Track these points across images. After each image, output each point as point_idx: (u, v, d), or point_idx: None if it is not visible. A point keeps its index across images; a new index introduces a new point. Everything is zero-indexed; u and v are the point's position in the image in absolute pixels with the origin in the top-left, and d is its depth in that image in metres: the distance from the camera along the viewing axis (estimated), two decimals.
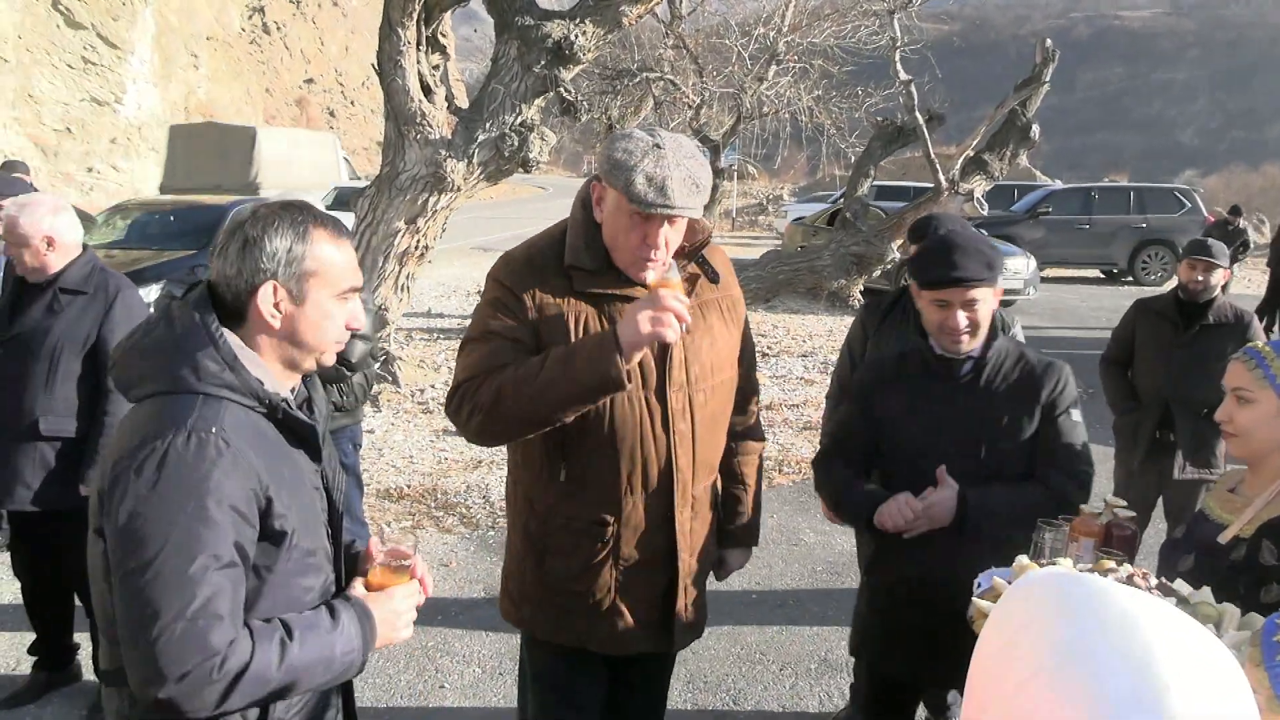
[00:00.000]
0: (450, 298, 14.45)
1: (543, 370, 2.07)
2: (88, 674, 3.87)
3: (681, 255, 2.28)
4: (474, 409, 2.12)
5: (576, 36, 8.14)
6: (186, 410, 1.50)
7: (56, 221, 3.50)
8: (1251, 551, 1.85)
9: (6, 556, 4.57)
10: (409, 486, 6.38)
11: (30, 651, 3.87)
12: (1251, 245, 15.75)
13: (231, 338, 1.59)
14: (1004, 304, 2.71)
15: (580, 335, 2.15)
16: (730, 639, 4.30)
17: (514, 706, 3.79)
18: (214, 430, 1.49)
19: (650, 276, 2.16)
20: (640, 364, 2.17)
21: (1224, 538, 1.94)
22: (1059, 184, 23.42)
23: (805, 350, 11.20)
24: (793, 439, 7.72)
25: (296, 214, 1.64)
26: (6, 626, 4.31)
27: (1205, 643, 0.73)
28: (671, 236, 2.15)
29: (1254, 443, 1.98)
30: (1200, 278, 4.45)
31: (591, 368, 2.03)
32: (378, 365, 9.12)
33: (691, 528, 2.34)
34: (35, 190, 5.75)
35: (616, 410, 2.17)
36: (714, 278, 2.35)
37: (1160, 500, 4.53)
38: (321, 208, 1.74)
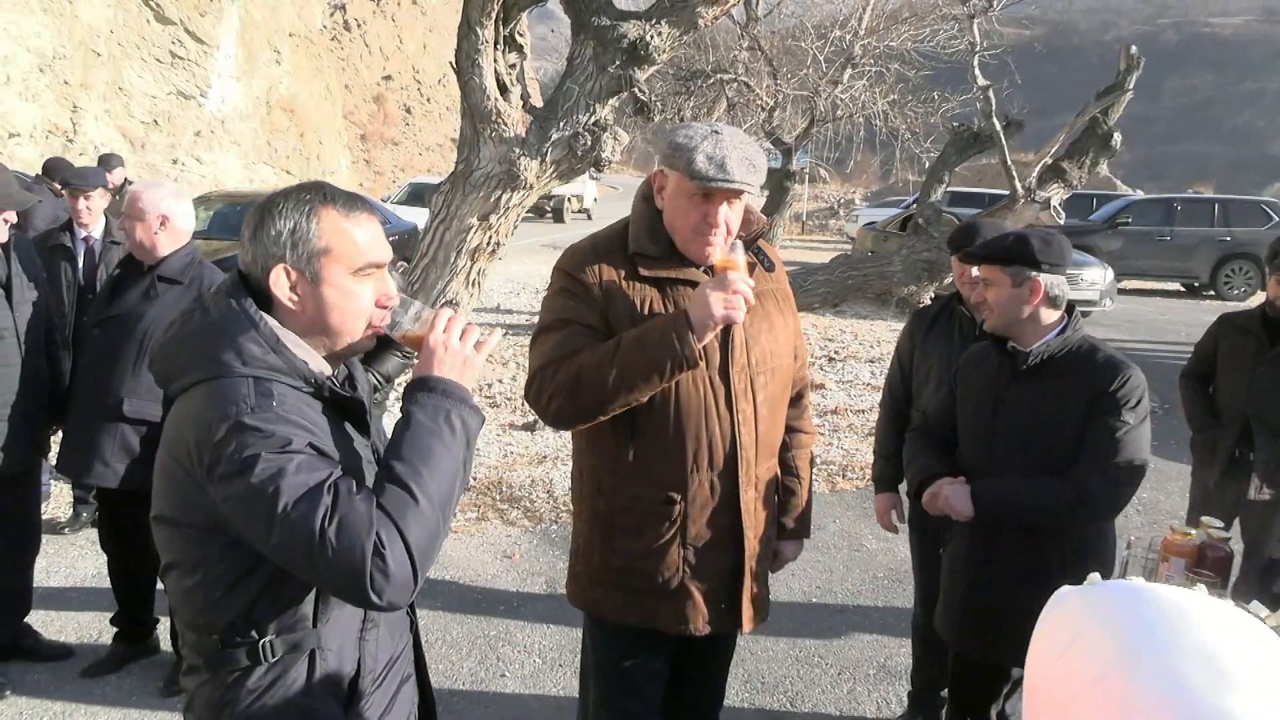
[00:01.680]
0: (520, 294, 14.60)
1: (618, 352, 2.15)
2: (166, 647, 4.00)
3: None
4: (554, 393, 2.20)
5: (652, 37, 8.16)
6: (240, 391, 1.50)
7: (175, 205, 3.67)
8: None
9: (94, 531, 4.75)
10: (475, 479, 6.48)
11: (112, 623, 4.02)
12: None
13: (270, 320, 1.58)
14: (1080, 314, 2.71)
15: (646, 317, 2.23)
16: (790, 642, 4.30)
17: (573, 697, 3.84)
18: (274, 404, 1.50)
19: (716, 255, 2.23)
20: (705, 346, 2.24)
21: None
22: (1140, 194, 22.86)
23: (873, 356, 11.10)
24: (858, 445, 7.66)
25: (304, 193, 1.62)
26: (92, 599, 4.48)
27: (1266, 638, 0.73)
28: (731, 217, 2.23)
29: None
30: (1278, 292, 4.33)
31: (665, 347, 2.11)
32: None
33: (756, 508, 2.40)
34: (112, 185, 6.11)
35: (682, 390, 2.24)
36: (770, 267, 2.44)
37: (1237, 521, 4.42)
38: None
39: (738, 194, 2.20)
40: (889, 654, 4.27)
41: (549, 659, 4.15)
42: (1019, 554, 2.57)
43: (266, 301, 1.61)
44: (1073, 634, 0.79)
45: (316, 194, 1.63)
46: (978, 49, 10.16)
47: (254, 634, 1.56)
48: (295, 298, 1.60)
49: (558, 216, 31.10)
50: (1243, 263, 18.00)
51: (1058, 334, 2.60)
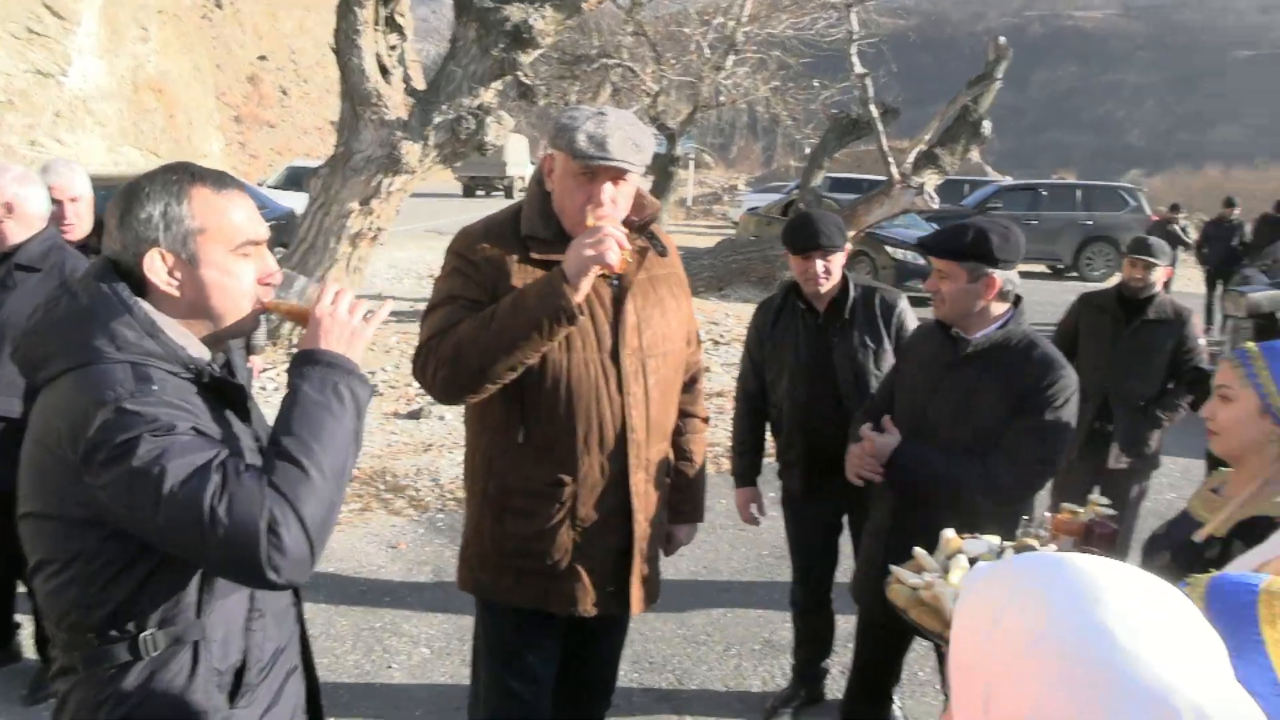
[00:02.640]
0: (403, 280, 14.34)
1: (497, 313, 2.17)
2: (30, 654, 3.83)
3: (630, 229, 2.37)
4: (438, 364, 2.21)
5: (536, 20, 8.12)
6: (115, 376, 1.44)
7: (23, 190, 3.44)
8: (1224, 550, 1.89)
9: None
10: (358, 469, 6.36)
11: None
12: (1190, 244, 16.12)
13: (145, 305, 1.53)
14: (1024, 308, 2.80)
15: None
16: (676, 621, 4.36)
17: (463, 685, 3.82)
18: (154, 389, 1.45)
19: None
20: (594, 328, 2.28)
21: (1199, 536, 1.98)
22: (1009, 180, 23.78)
23: None
24: None
25: (170, 174, 1.56)
26: None
27: (1171, 593, 0.78)
28: (619, 198, 2.25)
29: (1233, 440, 2.01)
30: (1140, 275, 4.58)
31: (541, 301, 2.12)
32: None
33: (646, 490, 2.42)
34: None
35: (573, 372, 2.26)
36: (662, 251, 2.46)
37: (1097, 490, 4.66)
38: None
39: (622, 173, 2.21)
40: (774, 629, 4.37)
41: (437, 649, 4.11)
42: (938, 526, 2.64)
43: (140, 288, 1.55)
44: (1000, 607, 0.82)
45: (184, 173, 1.58)
46: (856, 38, 10.41)
47: (133, 628, 1.50)
48: (173, 281, 1.55)
49: (508, 194, 31.64)
50: (1103, 245, 18.94)
51: (1000, 326, 2.66)
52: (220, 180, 1.60)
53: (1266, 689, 1.02)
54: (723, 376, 9.44)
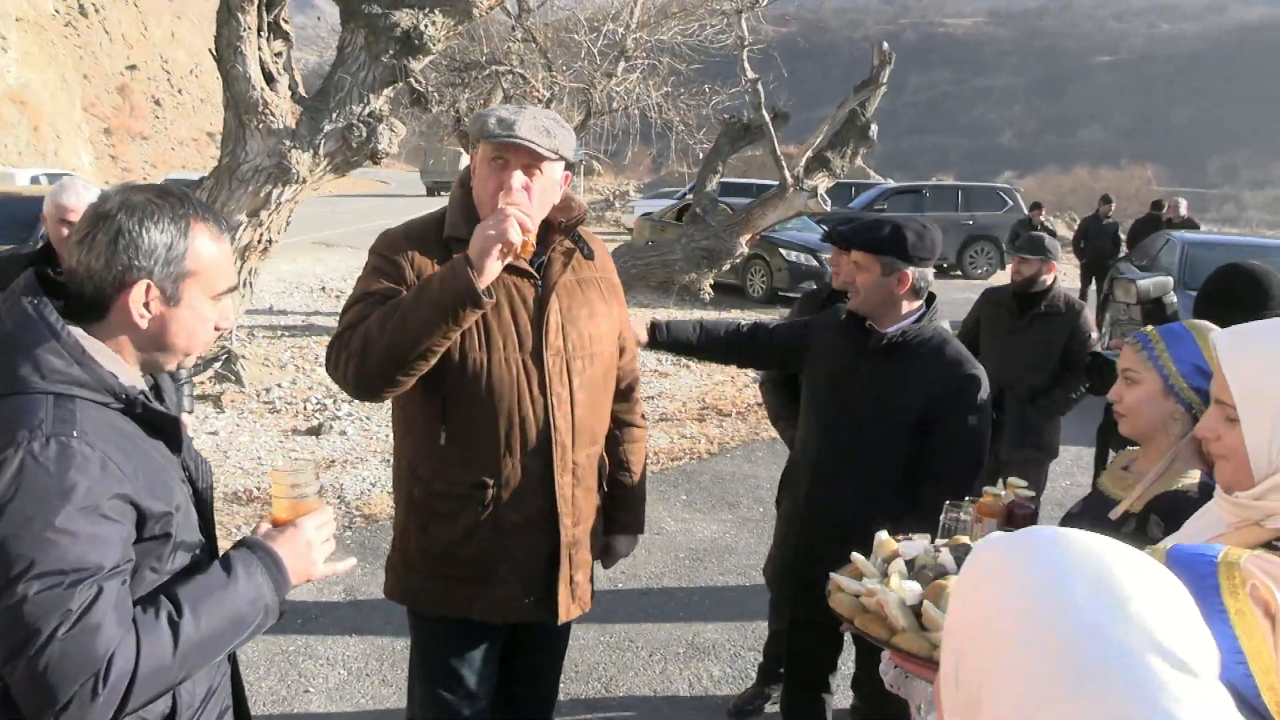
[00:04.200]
0: (293, 294, 13.96)
1: (402, 302, 2.13)
2: None
3: (557, 230, 2.37)
4: (348, 358, 2.16)
5: (426, 26, 7.99)
6: (35, 412, 1.35)
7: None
8: (1140, 526, 1.96)
9: None
10: (259, 489, 6.14)
11: None
12: (1060, 240, 16.82)
13: (76, 330, 1.43)
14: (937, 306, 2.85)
15: None
16: (600, 628, 4.32)
17: (383, 709, 3.73)
18: (74, 434, 1.36)
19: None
20: (516, 327, 2.26)
21: (1115, 514, 2.04)
22: (892, 182, 24.45)
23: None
24: (649, 430, 7.80)
25: (178, 206, 1.49)
26: None
27: (1155, 565, 0.79)
28: (533, 188, 2.22)
29: (1140, 421, 2.09)
30: (1021, 270, 4.77)
31: (444, 285, 2.08)
32: (218, 365, 8.75)
33: (573, 495, 2.37)
34: None
35: (494, 371, 2.23)
36: (588, 254, 2.44)
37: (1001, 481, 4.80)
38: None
39: (536, 161, 2.20)
40: (696, 632, 4.38)
41: (354, 670, 3.99)
42: (850, 511, 2.67)
43: (92, 309, 1.47)
44: (979, 578, 0.83)
45: (190, 207, 1.51)
46: (746, 43, 10.54)
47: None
48: (145, 315, 1.48)
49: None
50: (984, 244, 19.65)
51: (914, 321, 2.72)
52: (218, 221, 1.56)
53: (1229, 659, 1.05)
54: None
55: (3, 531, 1.30)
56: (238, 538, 1.66)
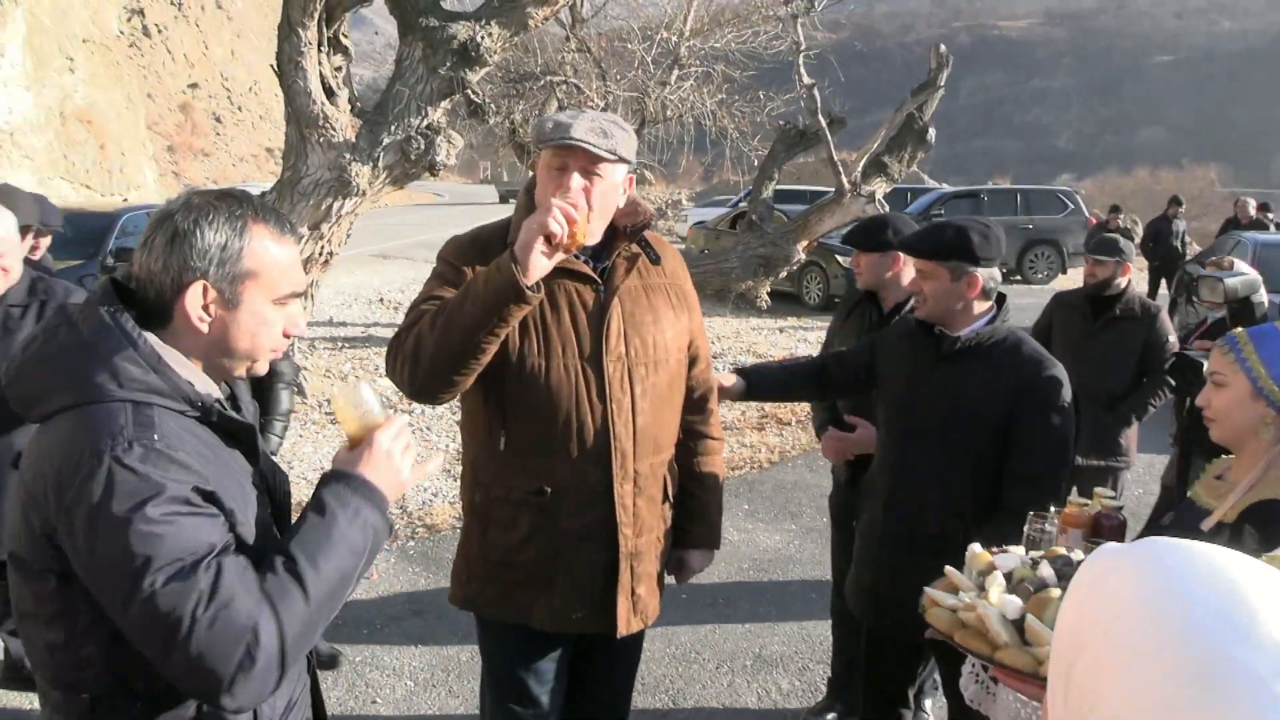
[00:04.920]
0: (352, 305, 14.12)
1: (450, 302, 2.12)
2: None
3: (623, 236, 2.33)
4: (403, 359, 2.16)
5: (483, 38, 8.04)
6: (116, 419, 1.34)
7: None
8: (1234, 537, 1.88)
9: None
10: None
11: None
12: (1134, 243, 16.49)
13: (151, 337, 1.42)
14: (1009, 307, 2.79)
15: None
16: (664, 639, 4.28)
17: (450, 715, 3.71)
18: (155, 438, 1.34)
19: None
20: (575, 332, 2.24)
21: (1207, 524, 1.97)
22: (947, 187, 24.13)
23: (715, 352, 11.29)
24: None
25: (235, 206, 1.47)
26: None
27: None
28: (593, 190, 2.19)
29: (1229, 426, 2.02)
30: (1094, 272, 4.64)
31: (489, 282, 2.05)
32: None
33: (634, 504, 2.32)
34: None
35: (552, 376, 2.21)
36: (654, 259, 2.40)
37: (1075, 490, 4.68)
38: None
39: (594, 164, 2.17)
40: (763, 643, 4.31)
41: (420, 680, 3.99)
42: (935, 524, 2.60)
43: (156, 315, 1.45)
44: (1093, 585, 0.78)
45: (248, 207, 1.49)
46: (802, 48, 10.47)
47: (134, 687, 1.38)
48: (205, 318, 1.46)
49: None
50: (1044, 248, 19.25)
51: (986, 323, 2.65)
52: (280, 223, 1.52)
53: None
54: None
55: (108, 540, 1.29)
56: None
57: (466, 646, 4.22)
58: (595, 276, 2.28)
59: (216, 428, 1.47)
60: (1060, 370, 2.62)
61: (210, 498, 1.38)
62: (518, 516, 2.27)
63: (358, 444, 1.56)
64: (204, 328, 1.46)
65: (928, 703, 3.62)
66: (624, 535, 2.31)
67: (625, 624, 2.37)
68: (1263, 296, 3.94)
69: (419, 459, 1.62)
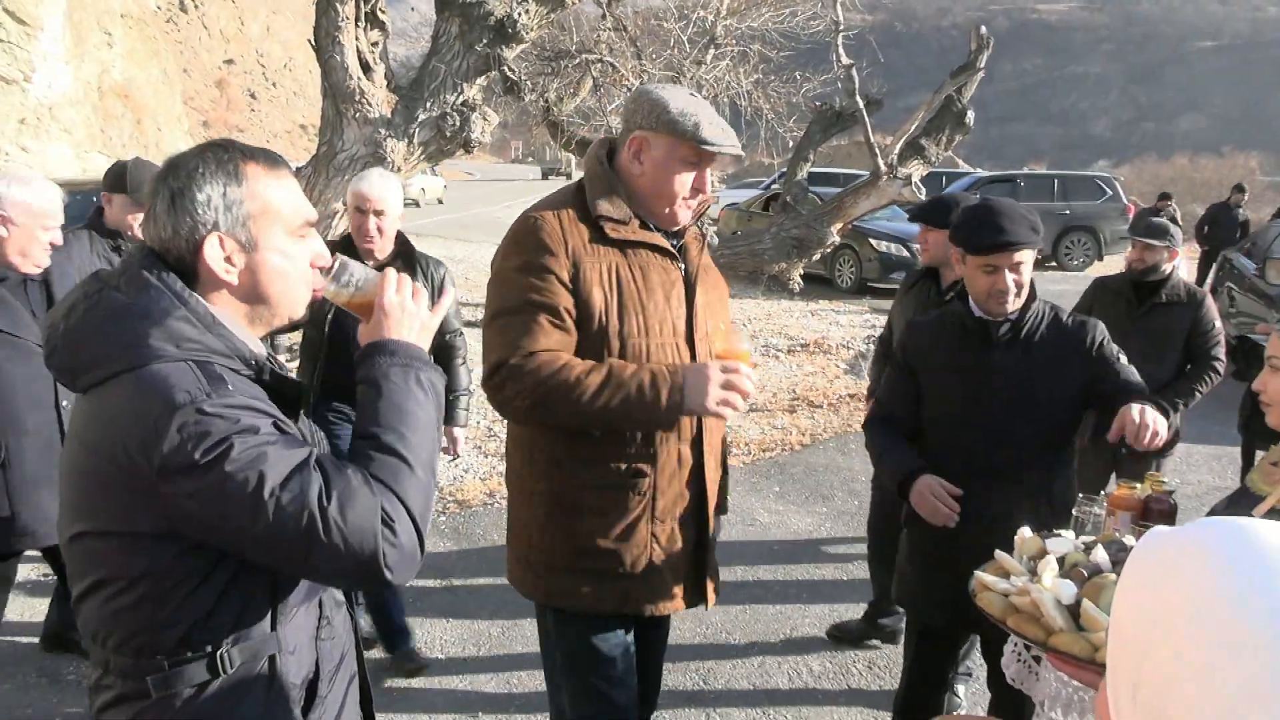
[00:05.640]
0: None
1: (600, 394, 2.09)
2: None
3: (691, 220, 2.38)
4: (519, 393, 2.11)
5: (519, 14, 8.01)
6: (186, 376, 1.32)
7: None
8: None
9: None
10: None
11: None
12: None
13: (198, 297, 1.41)
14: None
15: (611, 286, 2.19)
16: (695, 619, 4.26)
17: (483, 692, 3.73)
18: (230, 388, 1.34)
19: (685, 218, 2.28)
20: (670, 312, 2.25)
21: (1258, 511, 1.92)
22: (982, 172, 23.84)
23: (748, 334, 11.22)
24: (740, 420, 7.71)
25: (221, 152, 1.44)
26: None
27: None
28: (706, 181, 2.30)
29: None
30: (1140, 257, 4.55)
31: (650, 415, 2.11)
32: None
33: (715, 478, 2.37)
34: None
35: (653, 357, 2.20)
36: (709, 239, 2.42)
37: (1114, 477, 4.61)
38: None
39: (722, 165, 2.24)
40: (794, 624, 4.29)
41: (450, 653, 4.00)
42: (986, 515, 2.53)
43: (187, 278, 1.43)
44: (1162, 576, 0.74)
45: (234, 151, 1.46)
46: (841, 28, 10.35)
47: (209, 646, 1.39)
48: (231, 268, 1.43)
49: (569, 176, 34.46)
50: (1081, 235, 18.99)
51: (1030, 303, 2.65)
52: (270, 158, 1.49)
53: None
54: None
55: (216, 474, 1.29)
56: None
57: (497, 621, 4.24)
58: (677, 254, 2.31)
59: (266, 385, 1.46)
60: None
61: (293, 435, 1.39)
62: (614, 501, 2.22)
63: (366, 312, 1.56)
64: (233, 279, 1.44)
65: (960, 688, 3.60)
66: (710, 510, 2.35)
67: (713, 596, 2.43)
68: None
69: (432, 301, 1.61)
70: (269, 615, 1.43)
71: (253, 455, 1.30)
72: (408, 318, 1.54)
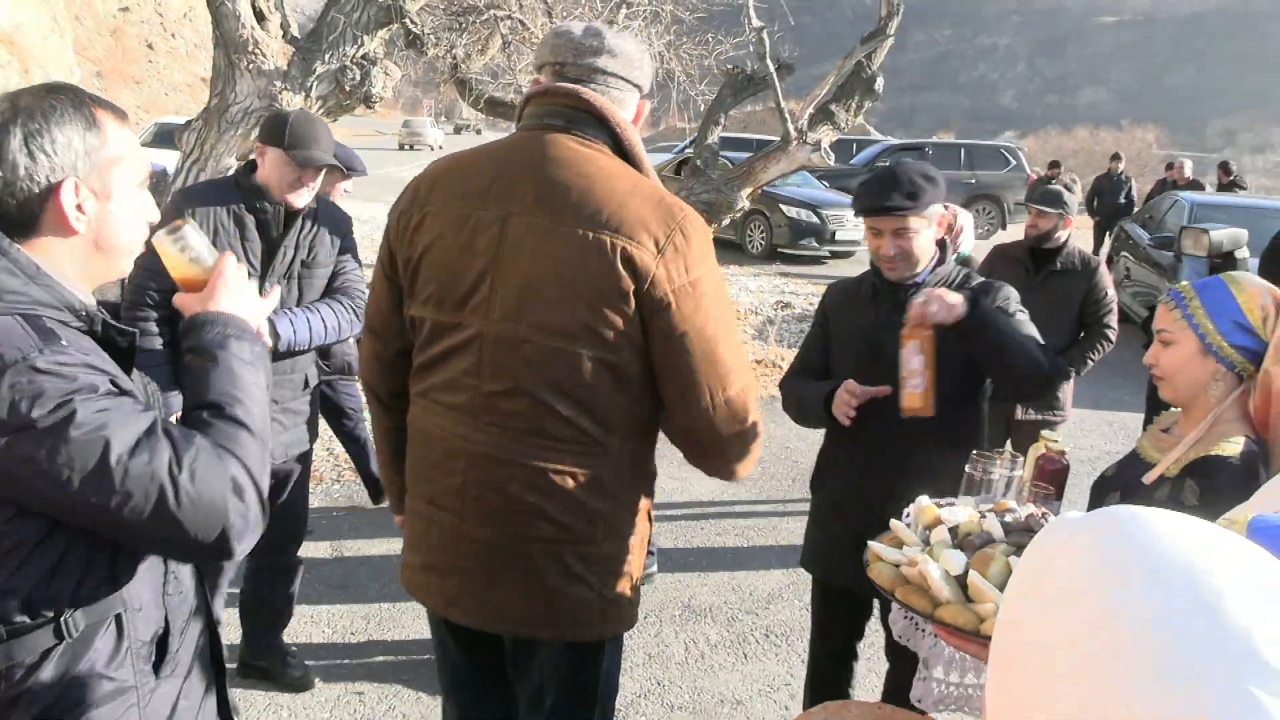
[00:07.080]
0: None
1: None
2: None
3: None
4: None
5: None
6: (14, 332, 1.25)
7: None
8: (1175, 491, 1.83)
9: None
10: None
11: None
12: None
13: (19, 246, 1.35)
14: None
15: None
16: None
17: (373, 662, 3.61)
18: (64, 342, 1.28)
19: None
20: None
21: (1149, 478, 1.92)
22: (893, 140, 24.16)
23: None
24: None
25: (73, 96, 1.39)
26: None
27: (1254, 553, 0.65)
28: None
29: (1178, 384, 1.96)
30: (1036, 224, 4.62)
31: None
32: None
33: None
34: None
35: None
36: None
37: (1009, 443, 4.68)
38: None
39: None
40: (692, 593, 4.27)
41: (340, 629, 3.88)
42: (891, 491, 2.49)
43: (18, 226, 1.36)
44: (1057, 572, 0.69)
45: (84, 96, 1.41)
46: None
47: (50, 613, 1.31)
48: (81, 216, 1.38)
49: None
50: (986, 203, 19.40)
51: (935, 267, 2.66)
52: (115, 109, 1.46)
53: None
54: None
55: (57, 441, 1.22)
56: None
57: (387, 604, 4.12)
58: None
59: (100, 339, 1.40)
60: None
61: (126, 393, 1.35)
62: (641, 519, 2.07)
63: (194, 286, 1.54)
64: (80, 227, 1.39)
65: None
66: None
67: None
68: (1246, 253, 3.93)
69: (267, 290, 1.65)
70: (111, 575, 1.37)
71: (98, 420, 1.24)
72: (242, 295, 1.54)
